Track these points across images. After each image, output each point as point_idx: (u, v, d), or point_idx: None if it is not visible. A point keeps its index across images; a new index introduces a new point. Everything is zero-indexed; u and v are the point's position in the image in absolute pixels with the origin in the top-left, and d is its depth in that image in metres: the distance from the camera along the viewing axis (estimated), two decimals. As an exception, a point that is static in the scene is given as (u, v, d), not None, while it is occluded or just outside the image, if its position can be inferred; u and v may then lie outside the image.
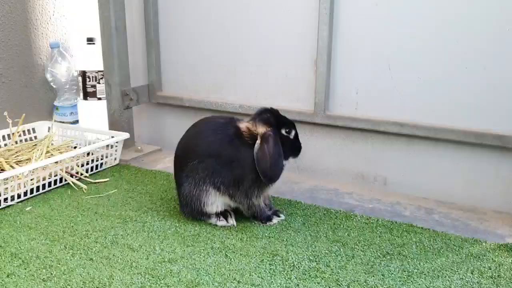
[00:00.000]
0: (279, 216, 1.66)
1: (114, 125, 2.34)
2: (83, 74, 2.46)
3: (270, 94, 2.14)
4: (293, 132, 1.55)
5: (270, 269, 1.37)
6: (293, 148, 1.56)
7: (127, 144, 2.37)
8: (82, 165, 2.07)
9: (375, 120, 1.93)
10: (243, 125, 1.50)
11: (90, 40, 2.44)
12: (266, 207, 1.63)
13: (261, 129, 1.48)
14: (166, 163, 2.21)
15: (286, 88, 2.12)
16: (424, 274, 1.35)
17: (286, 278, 1.32)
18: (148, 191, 1.91)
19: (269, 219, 1.62)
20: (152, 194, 1.89)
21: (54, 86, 2.50)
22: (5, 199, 1.77)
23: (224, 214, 1.61)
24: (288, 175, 2.13)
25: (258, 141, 1.46)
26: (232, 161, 1.47)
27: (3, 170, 1.90)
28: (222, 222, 1.60)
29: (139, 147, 2.40)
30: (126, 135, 2.21)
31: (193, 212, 1.59)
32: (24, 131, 2.29)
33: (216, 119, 1.56)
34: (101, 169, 2.15)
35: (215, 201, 1.56)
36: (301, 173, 2.17)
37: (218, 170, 1.48)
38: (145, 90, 2.44)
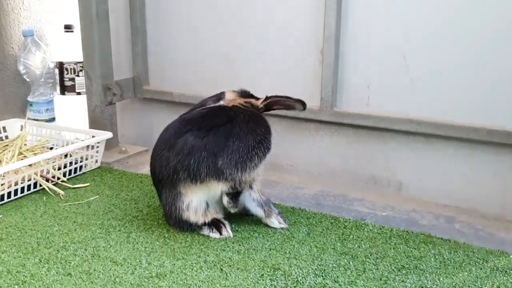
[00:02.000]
0: (284, 221, 1.69)
1: (95, 123, 2.34)
2: (60, 65, 2.47)
3: (270, 88, 2.04)
4: None
5: (271, 285, 1.37)
6: None
7: (110, 144, 2.37)
8: (59, 169, 2.07)
9: (389, 117, 1.93)
10: (235, 102, 1.64)
11: (68, 28, 2.45)
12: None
13: (258, 101, 1.65)
14: (154, 166, 2.18)
15: (288, 81, 2.12)
16: (444, 291, 1.39)
17: (289, 295, 1.35)
18: (134, 198, 1.92)
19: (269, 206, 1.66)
20: (138, 201, 1.89)
21: (28, 80, 2.51)
22: (-28, 207, 1.80)
23: (216, 225, 1.61)
24: (290, 179, 2.15)
25: (262, 104, 1.63)
26: (220, 126, 1.51)
27: (-30, 174, 1.86)
28: (215, 235, 1.61)
29: (123, 148, 2.41)
30: (108, 135, 2.22)
31: (178, 222, 1.61)
32: (-7, 130, 2.31)
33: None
34: (81, 172, 2.16)
35: (191, 202, 1.56)
36: (306, 177, 2.18)
37: (195, 146, 1.49)
38: (130, 83, 2.44)
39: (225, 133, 1.50)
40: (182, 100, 2.33)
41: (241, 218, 1.73)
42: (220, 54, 2.24)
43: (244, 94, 1.67)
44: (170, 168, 1.53)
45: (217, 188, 1.55)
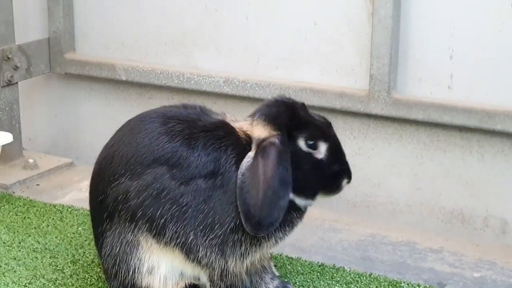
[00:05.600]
0: None
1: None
2: None
3: (284, 59, 2.10)
4: (322, 147, 1.55)
5: None
6: (324, 176, 1.55)
7: (9, 153, 2.34)
8: None
9: (485, 109, 1.88)
10: (237, 124, 1.59)
11: None
12: (260, 275, 1.66)
13: (259, 131, 1.53)
14: (83, 191, 2.18)
15: (315, 47, 2.10)
16: None
17: None
18: (49, 247, 1.88)
19: None
20: (57, 253, 1.85)
21: None
22: None
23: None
24: (317, 214, 2.09)
25: (250, 153, 1.51)
26: (200, 177, 1.50)
27: None
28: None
29: (31, 160, 2.35)
30: (6, 138, 2.16)
31: None
32: None
33: (173, 108, 1.64)
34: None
35: (155, 263, 1.55)
36: (344, 211, 2.15)
37: (169, 191, 1.49)
38: (43, 49, 2.41)
39: (206, 194, 1.49)
40: (132, 78, 2.30)
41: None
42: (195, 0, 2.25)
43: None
44: (129, 206, 1.50)
45: (186, 266, 1.55)
